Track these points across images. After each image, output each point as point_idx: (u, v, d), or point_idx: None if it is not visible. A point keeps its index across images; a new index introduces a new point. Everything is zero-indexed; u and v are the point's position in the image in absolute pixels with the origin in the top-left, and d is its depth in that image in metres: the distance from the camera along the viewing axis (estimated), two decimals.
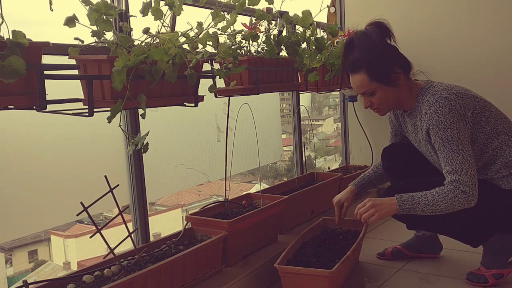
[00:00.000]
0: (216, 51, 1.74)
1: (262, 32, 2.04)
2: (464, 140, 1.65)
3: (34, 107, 1.24)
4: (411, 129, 1.89)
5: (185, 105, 1.65)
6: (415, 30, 3.01)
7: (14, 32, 1.13)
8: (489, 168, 1.76)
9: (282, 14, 2.15)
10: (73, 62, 1.44)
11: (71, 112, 1.38)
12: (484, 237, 1.82)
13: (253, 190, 2.45)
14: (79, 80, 1.42)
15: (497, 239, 1.80)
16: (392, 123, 2.07)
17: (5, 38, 1.13)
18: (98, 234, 1.44)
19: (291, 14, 2.20)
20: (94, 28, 1.39)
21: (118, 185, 1.50)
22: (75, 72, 1.37)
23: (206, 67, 1.75)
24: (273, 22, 2.10)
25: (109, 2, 1.39)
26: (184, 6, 1.58)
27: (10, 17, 1.19)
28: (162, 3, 1.53)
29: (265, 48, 2.03)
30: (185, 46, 1.56)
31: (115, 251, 1.50)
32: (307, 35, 2.23)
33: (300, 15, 2.16)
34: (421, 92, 1.78)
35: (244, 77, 1.93)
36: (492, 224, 1.79)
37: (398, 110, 1.95)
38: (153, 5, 1.51)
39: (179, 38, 1.53)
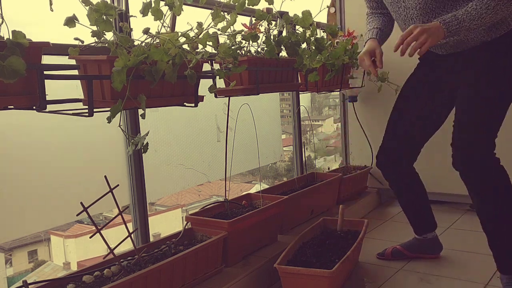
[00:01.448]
0: (216, 51, 1.74)
1: (262, 32, 2.03)
2: None
3: (34, 107, 1.24)
4: None
5: (185, 105, 1.65)
6: None
7: (14, 32, 1.13)
8: None
9: (282, 14, 2.15)
10: (73, 62, 1.44)
11: (71, 112, 1.38)
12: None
13: (253, 190, 2.45)
14: (79, 80, 1.42)
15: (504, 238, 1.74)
16: None
17: (5, 38, 1.13)
18: (98, 234, 1.44)
19: (291, 14, 2.20)
20: (94, 28, 1.39)
21: (118, 185, 1.50)
22: (75, 72, 1.37)
23: (206, 67, 1.75)
24: (273, 23, 2.10)
25: (109, 2, 1.39)
26: (184, 6, 1.58)
27: (10, 17, 1.19)
28: (162, 3, 1.53)
29: (265, 48, 2.03)
30: (185, 46, 1.56)
31: (115, 251, 1.50)
32: (307, 35, 2.23)
33: (300, 15, 2.15)
34: None
35: (244, 77, 1.93)
36: None
37: None
38: (153, 5, 1.51)
39: (179, 38, 1.53)
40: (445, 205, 2.91)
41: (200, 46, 1.62)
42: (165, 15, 1.54)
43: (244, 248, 1.99)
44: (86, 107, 1.35)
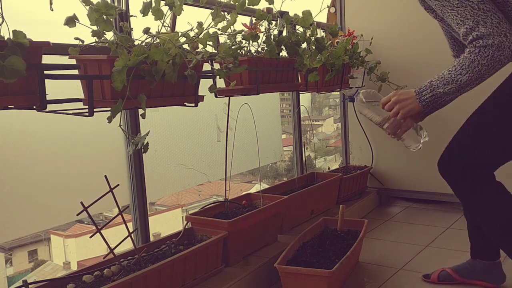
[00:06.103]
0: (216, 51, 1.74)
1: (262, 32, 2.03)
2: None
3: (34, 107, 1.24)
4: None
5: (185, 105, 1.65)
6: (414, 30, 3.01)
7: (14, 32, 1.13)
8: None
9: (283, 14, 2.15)
10: (73, 62, 1.44)
11: (71, 112, 1.38)
12: None
13: (253, 190, 2.45)
14: (79, 80, 1.42)
15: None
16: None
17: (5, 38, 1.13)
18: (98, 234, 1.44)
19: (291, 14, 2.20)
20: (95, 28, 1.39)
21: (118, 185, 1.50)
22: (75, 72, 1.37)
23: (206, 67, 1.75)
24: (274, 22, 2.10)
25: (109, 2, 1.39)
26: (184, 6, 1.58)
27: (10, 17, 1.19)
28: (162, 3, 1.53)
29: (265, 48, 2.03)
30: (185, 46, 1.56)
31: (115, 251, 1.50)
32: (307, 35, 2.23)
33: (301, 15, 2.16)
34: None
35: (244, 77, 1.93)
36: None
37: None
38: (153, 5, 1.51)
39: (179, 38, 1.53)
40: (445, 205, 2.91)
41: (201, 46, 1.62)
42: (165, 15, 1.54)
43: (244, 248, 1.99)
44: (86, 107, 1.36)
